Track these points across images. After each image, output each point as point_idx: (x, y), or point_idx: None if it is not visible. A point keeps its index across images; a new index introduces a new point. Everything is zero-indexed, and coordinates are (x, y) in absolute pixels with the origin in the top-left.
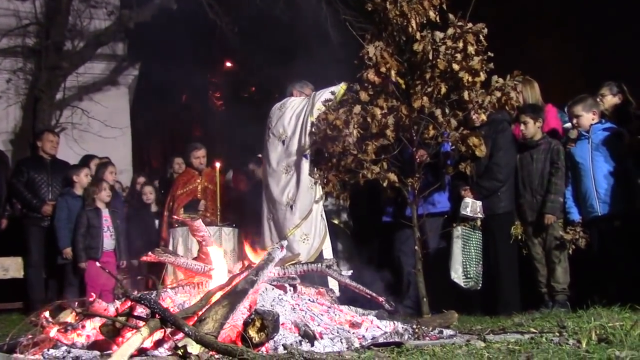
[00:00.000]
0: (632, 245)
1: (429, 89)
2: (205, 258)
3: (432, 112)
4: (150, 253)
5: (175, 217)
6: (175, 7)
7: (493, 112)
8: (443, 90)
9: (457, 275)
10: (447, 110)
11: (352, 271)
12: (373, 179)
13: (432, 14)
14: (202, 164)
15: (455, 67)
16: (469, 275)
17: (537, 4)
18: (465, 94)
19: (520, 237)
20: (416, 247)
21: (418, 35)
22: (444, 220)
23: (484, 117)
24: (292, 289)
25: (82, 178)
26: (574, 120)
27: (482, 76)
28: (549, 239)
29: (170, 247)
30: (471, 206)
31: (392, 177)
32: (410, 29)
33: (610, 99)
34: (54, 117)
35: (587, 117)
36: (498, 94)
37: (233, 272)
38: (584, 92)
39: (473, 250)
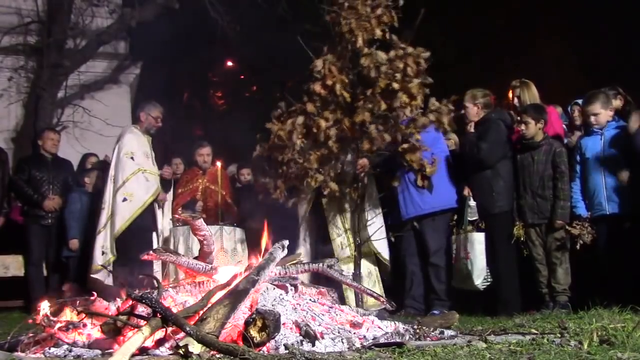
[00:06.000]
0: (638, 246)
1: (370, 105)
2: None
3: (365, 128)
4: (151, 252)
5: (177, 215)
6: (177, 6)
7: (424, 130)
8: (383, 107)
9: (479, 281)
10: (379, 127)
11: (353, 271)
12: (317, 186)
13: (378, 32)
14: (207, 162)
15: (396, 86)
16: (488, 279)
17: (538, 6)
18: (407, 111)
19: (522, 237)
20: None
21: (366, 50)
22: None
23: (418, 136)
24: (293, 288)
25: (94, 179)
26: (592, 119)
27: (419, 100)
28: (549, 240)
29: (171, 246)
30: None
31: (333, 186)
32: (358, 45)
33: (614, 103)
34: (56, 116)
35: (605, 114)
36: (432, 117)
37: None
38: (584, 93)
39: (485, 252)
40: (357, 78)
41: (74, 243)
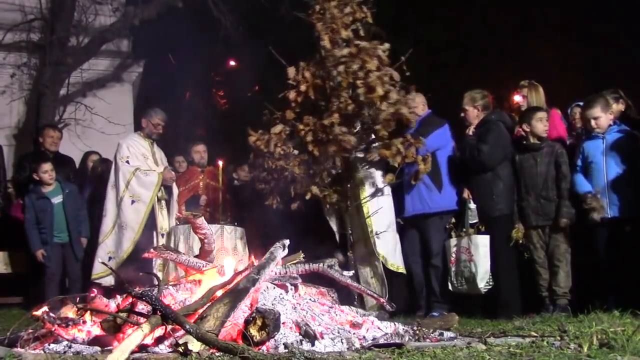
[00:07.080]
0: (638, 249)
1: (335, 106)
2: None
3: (332, 130)
4: (152, 250)
5: (178, 214)
6: (181, 4)
7: (390, 127)
8: (350, 106)
9: (482, 284)
10: (343, 130)
11: (353, 272)
12: (303, 191)
13: (344, 32)
14: (203, 159)
15: (358, 83)
16: (490, 282)
17: (541, 8)
18: (383, 105)
19: (521, 240)
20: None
21: (335, 52)
22: (442, 220)
23: (384, 132)
24: (293, 288)
25: (42, 174)
26: (593, 123)
27: (380, 90)
28: (551, 243)
29: (172, 244)
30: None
31: (315, 190)
32: (326, 47)
33: (616, 107)
34: (58, 113)
35: (606, 118)
36: (391, 109)
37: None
38: (585, 96)
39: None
40: (333, 81)
41: (40, 255)
